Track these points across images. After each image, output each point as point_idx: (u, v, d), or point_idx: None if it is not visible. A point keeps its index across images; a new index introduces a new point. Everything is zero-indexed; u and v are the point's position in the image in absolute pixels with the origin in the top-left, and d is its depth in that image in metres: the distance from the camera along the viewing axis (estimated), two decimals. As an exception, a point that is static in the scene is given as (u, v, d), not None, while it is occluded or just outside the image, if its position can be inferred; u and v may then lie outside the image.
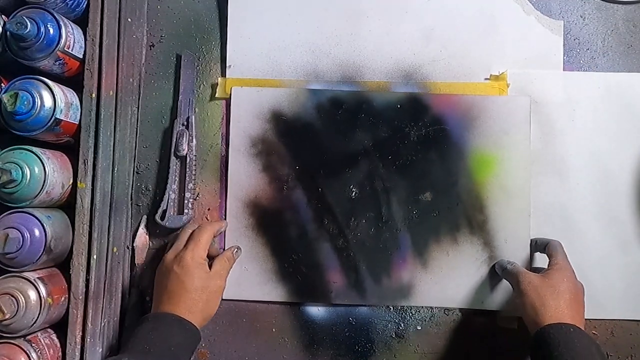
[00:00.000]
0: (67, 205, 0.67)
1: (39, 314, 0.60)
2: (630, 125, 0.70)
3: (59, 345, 0.64)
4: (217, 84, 0.72)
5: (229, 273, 0.67)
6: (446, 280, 0.68)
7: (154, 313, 0.61)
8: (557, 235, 0.68)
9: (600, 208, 0.69)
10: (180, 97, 0.72)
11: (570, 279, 0.62)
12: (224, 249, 0.69)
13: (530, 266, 0.68)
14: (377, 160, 0.69)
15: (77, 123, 0.66)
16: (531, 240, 0.68)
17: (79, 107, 0.67)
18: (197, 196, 0.71)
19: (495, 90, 0.70)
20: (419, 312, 0.69)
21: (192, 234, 0.66)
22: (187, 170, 0.70)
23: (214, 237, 0.68)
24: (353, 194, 0.69)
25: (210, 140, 0.72)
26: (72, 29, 0.65)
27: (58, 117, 0.62)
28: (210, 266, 0.65)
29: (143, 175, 0.71)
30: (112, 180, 0.68)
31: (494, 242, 0.68)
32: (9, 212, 0.62)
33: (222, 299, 0.68)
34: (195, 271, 0.62)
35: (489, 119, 0.69)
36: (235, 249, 0.68)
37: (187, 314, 0.60)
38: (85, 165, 0.66)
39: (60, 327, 0.65)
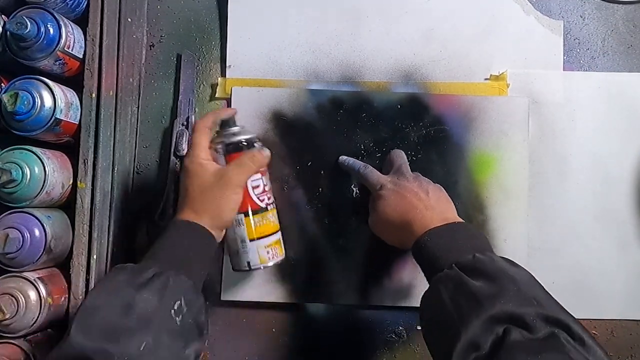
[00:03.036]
0: (67, 205, 0.67)
1: (38, 314, 0.60)
2: (630, 125, 0.70)
3: (59, 345, 0.64)
4: (217, 84, 0.72)
5: (245, 193, 0.61)
6: (446, 280, 0.68)
7: (168, 222, 0.59)
8: (557, 235, 0.68)
9: (600, 208, 0.69)
10: (180, 97, 0.72)
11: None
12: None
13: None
14: (378, 160, 0.69)
15: (77, 123, 0.66)
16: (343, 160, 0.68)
17: (79, 107, 0.67)
18: (197, 196, 0.71)
19: (495, 90, 0.70)
20: (419, 312, 0.69)
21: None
22: (187, 170, 0.70)
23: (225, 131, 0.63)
24: (353, 194, 0.69)
25: (210, 140, 0.72)
26: (72, 29, 0.65)
27: (58, 117, 0.62)
28: None
29: (143, 175, 0.71)
30: (112, 180, 0.68)
31: (494, 242, 0.68)
32: (9, 212, 0.62)
33: (222, 299, 0.68)
34: (195, 170, 0.59)
35: (488, 120, 0.69)
36: (258, 149, 0.62)
37: (192, 215, 0.57)
38: (85, 165, 0.66)
39: (60, 327, 0.65)
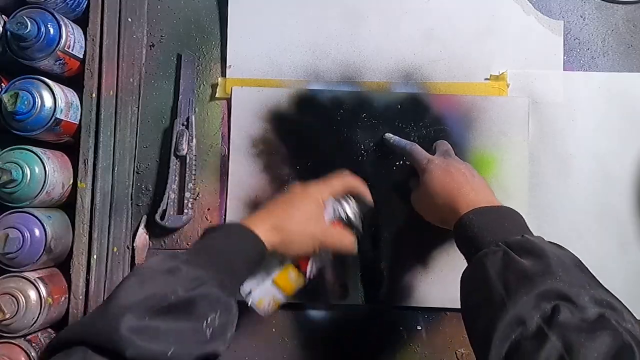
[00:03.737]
0: (67, 205, 0.67)
1: (39, 314, 0.60)
2: (631, 125, 0.70)
3: (59, 345, 0.64)
4: (217, 84, 0.72)
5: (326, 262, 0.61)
6: (446, 280, 0.68)
7: (235, 224, 0.56)
8: (557, 236, 0.68)
9: (600, 208, 0.69)
10: (180, 97, 0.72)
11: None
12: None
13: None
14: (378, 160, 0.69)
15: (77, 123, 0.67)
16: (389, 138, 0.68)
17: (79, 107, 0.67)
18: (197, 196, 0.71)
19: (495, 90, 0.70)
20: (419, 312, 0.69)
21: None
22: (187, 170, 0.70)
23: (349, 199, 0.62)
24: (353, 194, 0.69)
25: (210, 140, 0.72)
26: (72, 28, 0.65)
27: (58, 117, 0.62)
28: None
29: (143, 175, 0.71)
30: (112, 180, 0.68)
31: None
32: (9, 212, 0.62)
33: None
34: (312, 201, 0.58)
35: (488, 120, 0.69)
36: (354, 240, 0.61)
37: (268, 227, 0.55)
38: (85, 165, 0.66)
39: (60, 327, 0.65)
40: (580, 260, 0.50)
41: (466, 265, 0.55)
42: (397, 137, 0.68)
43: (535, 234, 0.68)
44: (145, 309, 0.45)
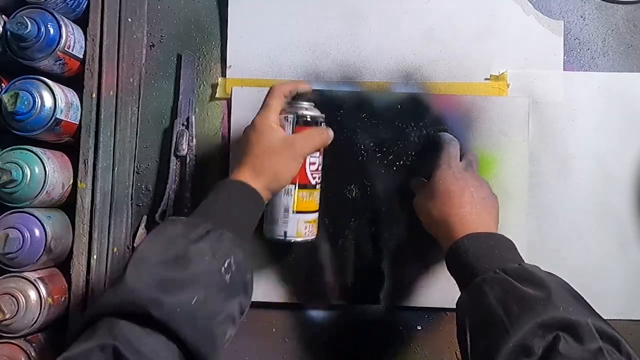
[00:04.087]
0: (67, 205, 0.67)
1: (39, 314, 0.60)
2: (631, 125, 0.70)
3: (59, 345, 0.64)
4: (217, 84, 0.72)
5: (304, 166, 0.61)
6: (446, 280, 0.68)
7: (219, 182, 0.58)
8: (557, 236, 0.68)
9: (600, 208, 0.69)
10: (180, 97, 0.72)
11: (446, 180, 0.61)
12: None
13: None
14: (378, 160, 0.69)
15: (77, 123, 0.67)
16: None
17: (79, 107, 0.67)
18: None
19: (495, 90, 0.70)
20: (419, 312, 0.69)
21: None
22: (187, 170, 0.70)
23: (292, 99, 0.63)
24: (353, 194, 0.69)
25: (210, 140, 0.72)
26: (73, 29, 0.65)
27: (58, 117, 0.62)
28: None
29: (143, 175, 0.71)
30: (112, 180, 0.68)
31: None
32: (9, 212, 0.62)
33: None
34: (265, 131, 0.58)
35: (488, 120, 0.69)
36: (326, 128, 0.63)
37: (249, 174, 0.57)
38: (85, 165, 0.66)
39: (60, 327, 0.65)
40: (574, 289, 0.50)
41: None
42: (446, 133, 0.68)
43: (535, 234, 0.68)
44: (162, 263, 0.46)
